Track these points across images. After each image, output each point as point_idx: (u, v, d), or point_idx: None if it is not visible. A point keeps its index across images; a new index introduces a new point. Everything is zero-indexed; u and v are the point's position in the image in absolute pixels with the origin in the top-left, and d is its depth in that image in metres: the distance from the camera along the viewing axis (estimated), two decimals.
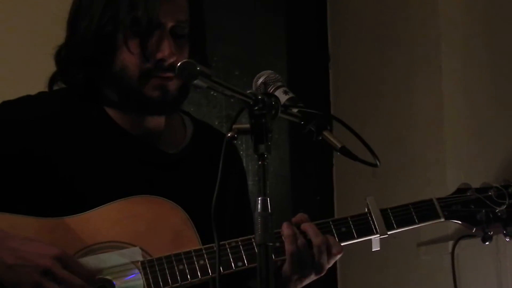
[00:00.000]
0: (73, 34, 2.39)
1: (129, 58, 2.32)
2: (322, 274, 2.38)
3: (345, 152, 2.17)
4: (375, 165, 2.21)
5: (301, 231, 2.36)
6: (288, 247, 2.32)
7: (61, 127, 2.38)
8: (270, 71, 2.32)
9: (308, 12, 4.37)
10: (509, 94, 3.70)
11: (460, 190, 2.62)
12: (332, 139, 2.19)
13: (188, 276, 2.28)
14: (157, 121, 2.43)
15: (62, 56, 2.41)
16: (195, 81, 1.87)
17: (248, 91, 1.97)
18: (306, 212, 4.15)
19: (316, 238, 2.34)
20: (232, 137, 1.95)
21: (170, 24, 2.33)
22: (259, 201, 1.90)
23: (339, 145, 2.17)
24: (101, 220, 2.31)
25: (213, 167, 1.95)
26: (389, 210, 2.49)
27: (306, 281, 2.38)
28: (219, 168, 1.97)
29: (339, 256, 2.37)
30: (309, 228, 2.36)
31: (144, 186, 2.34)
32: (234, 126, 1.96)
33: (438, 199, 2.56)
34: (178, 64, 1.89)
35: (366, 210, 2.49)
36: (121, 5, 2.31)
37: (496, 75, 3.74)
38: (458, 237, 3.62)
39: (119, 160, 2.39)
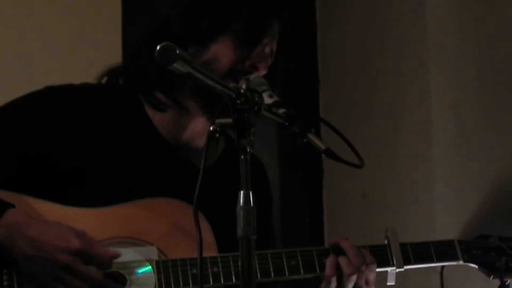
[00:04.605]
0: (167, 24, 2.43)
1: (225, 54, 2.37)
2: None
3: (330, 153, 2.15)
4: (359, 166, 2.21)
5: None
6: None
7: (99, 122, 2.40)
8: (256, 75, 2.34)
9: (298, 34, 4.39)
10: (498, 112, 3.71)
11: (482, 236, 2.62)
12: (316, 141, 2.16)
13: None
14: (197, 132, 2.47)
15: (144, 44, 2.43)
16: (174, 65, 1.89)
17: (231, 85, 1.98)
18: (295, 234, 4.13)
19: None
20: (214, 131, 1.96)
21: (267, 50, 2.42)
22: (241, 195, 1.90)
23: (323, 147, 2.14)
24: (123, 215, 2.33)
25: (238, 186, 1.95)
26: (408, 245, 2.51)
27: None
28: (202, 166, 1.99)
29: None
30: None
31: (169, 191, 2.37)
32: (216, 121, 1.96)
33: (459, 241, 2.57)
34: (158, 47, 1.90)
35: (386, 242, 2.50)
36: (238, 11, 2.39)
37: (485, 96, 3.77)
38: None
39: (149, 162, 2.42)
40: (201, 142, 2.48)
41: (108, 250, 2.25)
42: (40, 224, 2.24)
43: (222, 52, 2.38)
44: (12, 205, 2.25)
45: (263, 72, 2.41)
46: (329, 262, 2.40)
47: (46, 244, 2.20)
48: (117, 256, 2.25)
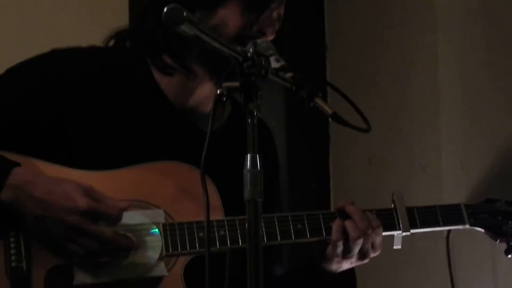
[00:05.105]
0: None
1: (232, 19, 2.37)
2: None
3: (336, 118, 2.15)
4: (366, 130, 2.21)
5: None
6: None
7: (106, 85, 2.40)
8: (263, 40, 2.34)
9: (305, 2, 4.38)
10: (505, 83, 3.71)
11: (490, 200, 2.63)
12: (323, 105, 2.16)
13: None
14: (204, 97, 2.46)
15: (151, 7, 2.42)
16: (181, 27, 1.89)
17: (238, 48, 1.98)
18: (302, 200, 4.13)
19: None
20: (222, 94, 1.96)
21: (275, 15, 2.42)
22: (248, 158, 1.91)
23: (330, 111, 2.14)
24: (130, 178, 2.34)
25: (244, 150, 1.96)
26: (415, 209, 2.53)
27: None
28: (209, 128, 2.00)
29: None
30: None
31: (175, 155, 2.38)
32: (223, 84, 1.97)
33: (466, 205, 2.58)
34: (165, 8, 1.90)
35: (392, 206, 2.51)
36: None
37: (492, 63, 3.76)
38: None
39: (156, 125, 2.43)
40: (207, 107, 2.48)
41: (116, 203, 2.25)
42: (46, 182, 2.25)
43: (229, 17, 2.38)
44: (17, 164, 2.26)
45: (270, 37, 2.41)
46: (335, 226, 2.41)
47: (53, 205, 2.21)
48: (126, 207, 2.26)
